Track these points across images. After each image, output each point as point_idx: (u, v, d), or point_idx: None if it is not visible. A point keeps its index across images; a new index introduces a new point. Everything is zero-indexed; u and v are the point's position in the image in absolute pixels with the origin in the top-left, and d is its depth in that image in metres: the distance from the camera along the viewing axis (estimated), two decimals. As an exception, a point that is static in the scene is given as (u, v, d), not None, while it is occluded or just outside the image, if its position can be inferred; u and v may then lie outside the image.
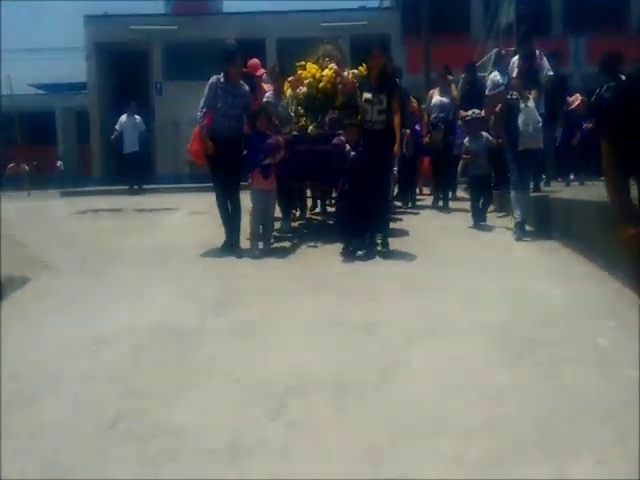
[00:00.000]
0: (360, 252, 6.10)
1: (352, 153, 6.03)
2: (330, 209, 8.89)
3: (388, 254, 6.13)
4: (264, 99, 6.94)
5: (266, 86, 7.44)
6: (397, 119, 6.10)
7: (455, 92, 9.17)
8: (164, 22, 21.06)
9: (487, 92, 8.38)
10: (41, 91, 28.88)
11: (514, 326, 4.02)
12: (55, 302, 4.90)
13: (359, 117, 6.19)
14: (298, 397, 3.17)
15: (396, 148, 6.12)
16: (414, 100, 9.64)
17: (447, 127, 8.89)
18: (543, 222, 6.89)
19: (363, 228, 6.23)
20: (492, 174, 7.79)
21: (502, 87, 7.83)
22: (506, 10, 15.29)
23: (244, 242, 6.52)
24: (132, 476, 2.54)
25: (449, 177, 9.07)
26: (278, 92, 7.16)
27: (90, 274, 5.73)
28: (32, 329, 4.31)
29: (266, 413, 3.00)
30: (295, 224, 8.00)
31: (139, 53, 20.47)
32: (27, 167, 20.05)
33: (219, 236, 6.55)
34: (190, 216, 8.89)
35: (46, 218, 9.18)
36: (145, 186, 14.40)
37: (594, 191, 5.86)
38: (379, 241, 6.32)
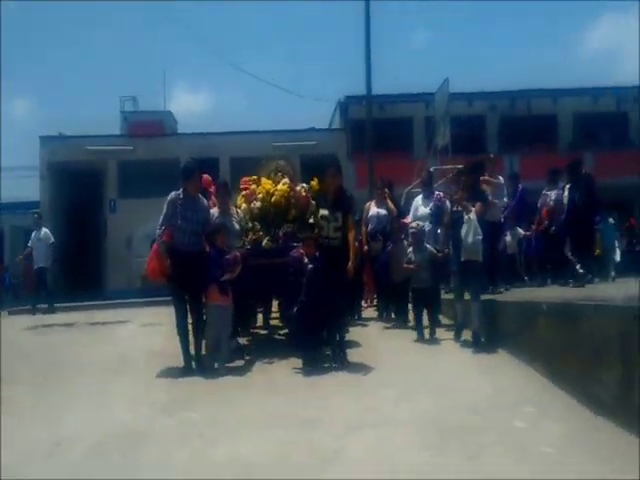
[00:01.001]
0: (316, 366, 6.02)
1: (309, 266, 6.12)
2: (273, 322, 8.89)
3: (345, 367, 6.04)
4: (213, 216, 6.78)
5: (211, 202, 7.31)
6: (351, 236, 6.23)
7: (391, 204, 9.20)
8: (120, 142, 21.83)
9: (408, 218, 8.82)
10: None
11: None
12: (15, 411, 5.00)
13: (316, 231, 6.35)
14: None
15: (349, 265, 6.12)
16: None
17: (385, 238, 8.88)
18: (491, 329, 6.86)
19: (321, 341, 6.32)
20: (437, 286, 7.84)
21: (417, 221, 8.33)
22: (442, 131, 16.77)
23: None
24: None
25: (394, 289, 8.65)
26: (225, 209, 7.02)
27: (48, 387, 5.78)
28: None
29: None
30: (242, 340, 7.63)
31: (94, 172, 21.01)
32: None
33: (169, 346, 6.52)
34: (142, 327, 9.00)
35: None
36: (57, 304, 13.59)
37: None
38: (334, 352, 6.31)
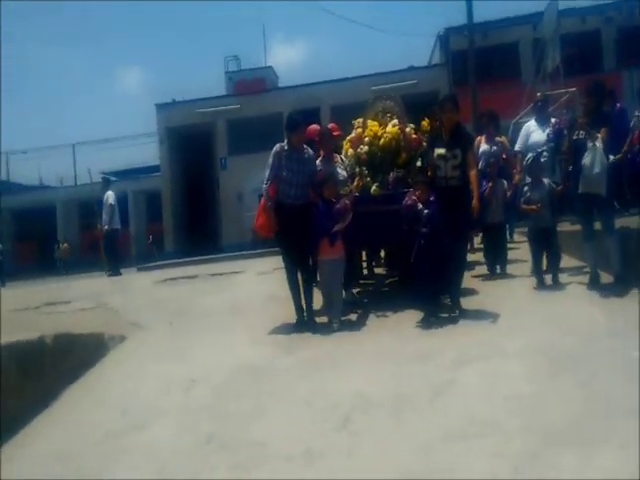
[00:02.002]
0: (437, 319, 5.60)
1: (425, 211, 5.66)
2: (377, 271, 8.70)
3: (468, 316, 5.60)
4: (318, 166, 6.48)
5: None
6: (473, 173, 5.79)
7: (502, 138, 8.61)
8: (227, 102, 22.61)
9: (517, 147, 7.86)
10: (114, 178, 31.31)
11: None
12: (151, 353, 5.62)
13: (429, 173, 5.92)
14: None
15: (475, 202, 5.68)
16: None
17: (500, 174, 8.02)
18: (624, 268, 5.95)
19: (440, 291, 5.92)
20: (556, 226, 6.83)
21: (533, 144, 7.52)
22: (552, 54, 15.74)
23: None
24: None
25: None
26: (329, 156, 6.73)
27: (178, 330, 6.38)
28: (135, 374, 5.03)
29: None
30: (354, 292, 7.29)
31: (206, 133, 22.03)
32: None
33: (283, 291, 6.39)
34: (257, 276, 9.55)
35: (131, 288, 10.05)
36: (178, 259, 13.67)
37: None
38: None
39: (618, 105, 9.35)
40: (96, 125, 65.34)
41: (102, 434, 3.95)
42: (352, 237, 6.06)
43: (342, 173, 6.65)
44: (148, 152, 38.12)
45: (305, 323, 5.98)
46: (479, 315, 5.54)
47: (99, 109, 63.16)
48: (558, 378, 3.80)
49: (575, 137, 6.17)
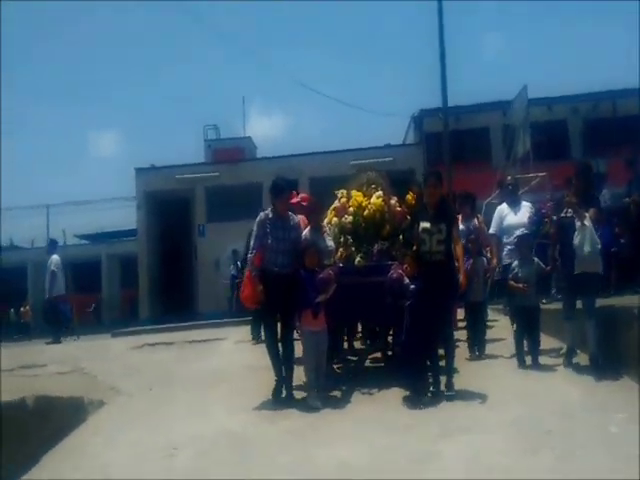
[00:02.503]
0: (425, 397, 5.46)
1: (411, 286, 5.67)
2: (360, 347, 8.40)
3: (454, 397, 5.48)
4: (304, 235, 6.48)
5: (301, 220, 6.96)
6: (459, 249, 5.83)
7: (480, 218, 8.47)
8: (206, 170, 22.98)
9: (491, 229, 7.85)
10: (85, 241, 31.10)
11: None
12: (130, 419, 5.59)
13: (414, 248, 5.90)
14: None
15: (462, 278, 5.70)
16: None
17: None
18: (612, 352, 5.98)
19: (427, 369, 5.75)
20: (539, 304, 6.81)
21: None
22: (522, 139, 16.59)
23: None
24: None
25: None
26: (316, 226, 6.72)
27: (157, 397, 6.37)
28: (116, 441, 5.00)
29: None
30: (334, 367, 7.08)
31: (184, 199, 22.25)
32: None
33: (264, 360, 6.27)
34: (235, 344, 9.58)
35: (108, 353, 9.92)
36: (152, 326, 13.54)
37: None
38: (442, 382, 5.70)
39: (604, 191, 9.86)
40: (70, 187, 65.20)
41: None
42: (336, 309, 5.89)
43: (330, 244, 6.62)
44: (123, 216, 38.23)
45: (286, 397, 5.85)
46: (465, 394, 5.50)
47: (73, 171, 63.33)
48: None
49: (563, 215, 6.25)
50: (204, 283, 21.20)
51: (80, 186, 61.63)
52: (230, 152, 25.41)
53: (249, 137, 28.50)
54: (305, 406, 5.55)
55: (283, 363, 5.96)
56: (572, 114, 23.34)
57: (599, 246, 5.97)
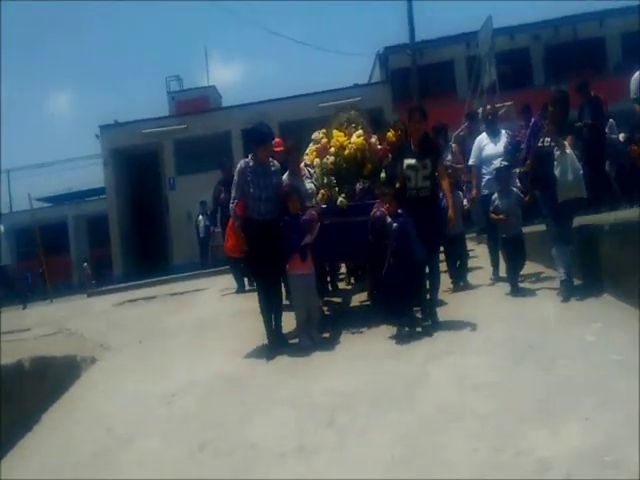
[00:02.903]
0: (411, 331, 5.47)
1: (394, 224, 5.57)
2: (344, 287, 8.43)
3: (439, 326, 5.56)
4: (284, 179, 6.44)
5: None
6: (446, 183, 5.82)
7: (454, 147, 8.59)
8: (173, 123, 22.54)
9: (470, 160, 7.75)
10: (49, 204, 30.46)
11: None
12: (124, 372, 5.69)
13: (397, 185, 5.81)
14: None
15: (450, 212, 5.77)
16: None
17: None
18: (591, 272, 6.02)
19: (413, 303, 5.77)
20: (523, 234, 6.72)
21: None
22: (488, 70, 16.56)
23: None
24: None
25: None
26: (295, 169, 6.75)
27: (148, 349, 6.45)
28: (113, 393, 5.12)
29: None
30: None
31: (152, 154, 21.87)
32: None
33: (251, 304, 6.39)
34: (219, 293, 9.56)
35: (90, 312, 9.93)
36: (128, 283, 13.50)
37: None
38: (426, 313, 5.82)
39: (533, 119, 9.85)
40: (30, 150, 63.27)
41: (90, 453, 4.03)
42: (320, 250, 5.92)
43: (310, 186, 6.60)
44: (88, 175, 37.43)
45: (278, 341, 5.80)
46: (451, 323, 5.56)
47: (31, 133, 61.32)
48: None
49: (540, 145, 6.13)
50: (177, 236, 21.10)
51: (40, 148, 59.90)
52: (195, 103, 24.90)
53: (213, 86, 27.91)
54: (298, 347, 5.62)
55: (273, 309, 5.89)
56: (534, 41, 23.31)
57: (581, 172, 5.90)
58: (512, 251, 6.53)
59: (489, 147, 7.54)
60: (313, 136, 7.03)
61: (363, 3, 70.68)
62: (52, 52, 64.48)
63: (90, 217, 27.89)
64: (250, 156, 5.94)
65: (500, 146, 7.50)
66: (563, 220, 6.02)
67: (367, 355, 5.07)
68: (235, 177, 5.90)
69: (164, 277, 14.27)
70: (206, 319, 7.56)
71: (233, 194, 5.84)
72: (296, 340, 5.82)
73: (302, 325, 5.80)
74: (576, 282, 6.01)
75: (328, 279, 8.05)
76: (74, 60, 67.19)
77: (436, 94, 21.58)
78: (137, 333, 7.20)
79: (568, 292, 5.80)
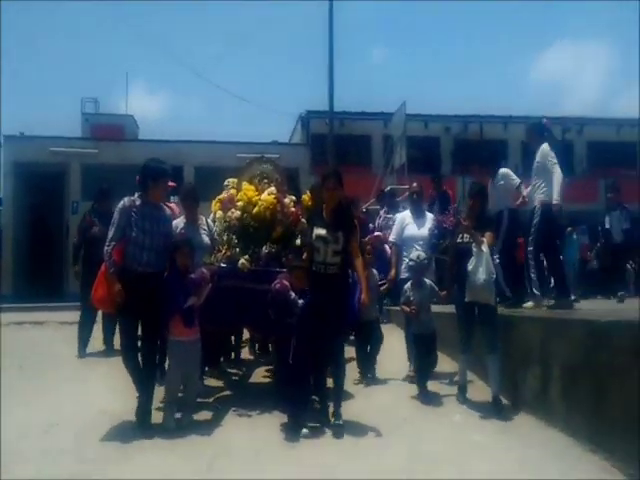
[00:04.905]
0: (307, 428, 4.82)
1: (300, 301, 4.96)
2: (248, 357, 7.74)
3: (341, 429, 4.85)
4: (177, 228, 5.80)
5: (174, 208, 6.51)
6: (359, 262, 5.19)
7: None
8: (84, 145, 22.08)
9: (391, 237, 7.36)
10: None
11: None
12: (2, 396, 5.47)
13: (304, 256, 5.22)
14: None
15: (364, 296, 5.11)
16: None
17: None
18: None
19: (312, 396, 5.27)
20: (435, 332, 6.06)
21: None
22: (399, 152, 17.74)
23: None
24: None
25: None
26: (192, 219, 6.08)
27: (29, 376, 6.31)
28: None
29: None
30: (211, 382, 6.41)
31: (57, 174, 21.22)
32: None
33: None
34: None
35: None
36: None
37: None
38: (330, 411, 5.12)
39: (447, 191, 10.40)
40: None
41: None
42: (212, 314, 5.23)
43: (205, 239, 5.97)
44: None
45: (147, 426, 4.85)
46: (353, 427, 4.93)
47: None
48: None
49: (459, 240, 5.82)
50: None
51: None
52: (110, 129, 24.48)
53: (131, 115, 27.56)
54: (160, 428, 4.82)
55: (144, 379, 4.99)
56: (445, 133, 25.21)
57: (494, 275, 5.55)
58: (422, 349, 6.01)
59: (411, 227, 7.12)
60: (225, 182, 6.39)
61: (290, 65, 73.02)
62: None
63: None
64: (137, 194, 5.11)
65: (424, 229, 7.08)
66: (472, 323, 5.67)
67: (241, 455, 4.37)
68: (115, 215, 5.01)
69: (56, 303, 13.73)
70: (94, 351, 7.47)
71: (110, 234, 4.94)
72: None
73: (171, 401, 5.01)
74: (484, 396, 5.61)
75: (231, 345, 7.37)
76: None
77: (353, 163, 22.64)
78: (19, 358, 6.98)
79: (463, 400, 5.65)
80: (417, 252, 6.34)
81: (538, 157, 6.68)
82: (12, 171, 21.19)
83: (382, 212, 10.85)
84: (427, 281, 6.17)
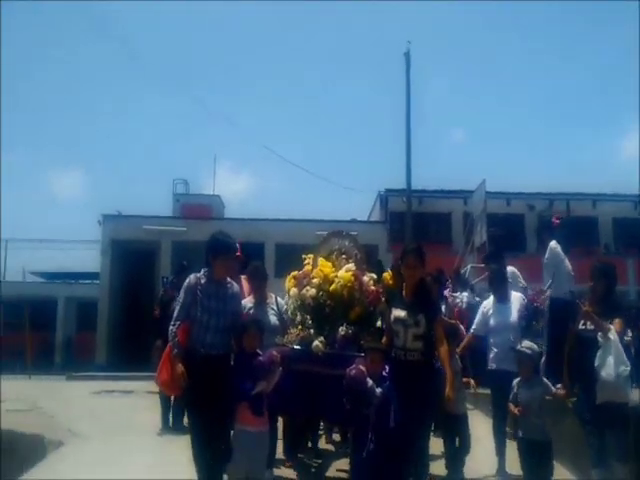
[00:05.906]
0: None
1: (377, 390, 4.45)
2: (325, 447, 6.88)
3: None
4: (245, 308, 5.50)
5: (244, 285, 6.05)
6: (444, 350, 4.61)
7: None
8: (174, 224, 23.39)
9: (473, 328, 6.41)
10: (41, 279, 30.75)
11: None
12: (87, 461, 5.80)
13: (384, 340, 4.81)
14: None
15: (448, 390, 4.50)
16: None
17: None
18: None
19: None
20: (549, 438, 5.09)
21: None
22: (479, 230, 17.63)
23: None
24: None
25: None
26: (260, 298, 5.74)
27: (114, 443, 6.54)
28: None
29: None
30: (286, 472, 5.79)
31: (150, 251, 22.49)
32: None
33: None
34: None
35: (64, 395, 10.01)
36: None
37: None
38: None
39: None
40: (29, 224, 63.88)
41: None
42: (281, 400, 4.84)
43: (272, 320, 5.61)
44: (84, 259, 37.87)
45: None
46: None
47: (34, 208, 62.12)
48: None
49: (582, 328, 5.02)
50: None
51: (40, 225, 60.60)
52: (198, 208, 25.91)
53: (218, 195, 29.10)
54: None
55: (212, 467, 4.56)
56: (529, 210, 24.83)
57: (627, 368, 4.70)
58: (532, 458, 5.04)
59: (496, 316, 6.23)
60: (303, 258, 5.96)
61: (368, 145, 74.89)
62: (64, 126, 66.52)
63: (81, 300, 27.99)
64: (203, 271, 4.81)
65: (509, 314, 6.17)
66: (605, 428, 4.76)
67: None
68: (181, 293, 4.79)
69: (145, 373, 14.27)
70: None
71: (175, 313, 4.73)
72: None
73: None
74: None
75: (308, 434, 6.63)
76: (86, 140, 69.19)
77: (433, 242, 22.67)
78: (108, 425, 7.32)
79: None
80: (527, 342, 5.46)
81: (546, 254, 7.30)
82: (109, 248, 22.72)
83: (446, 292, 9.70)
84: (543, 379, 5.33)
